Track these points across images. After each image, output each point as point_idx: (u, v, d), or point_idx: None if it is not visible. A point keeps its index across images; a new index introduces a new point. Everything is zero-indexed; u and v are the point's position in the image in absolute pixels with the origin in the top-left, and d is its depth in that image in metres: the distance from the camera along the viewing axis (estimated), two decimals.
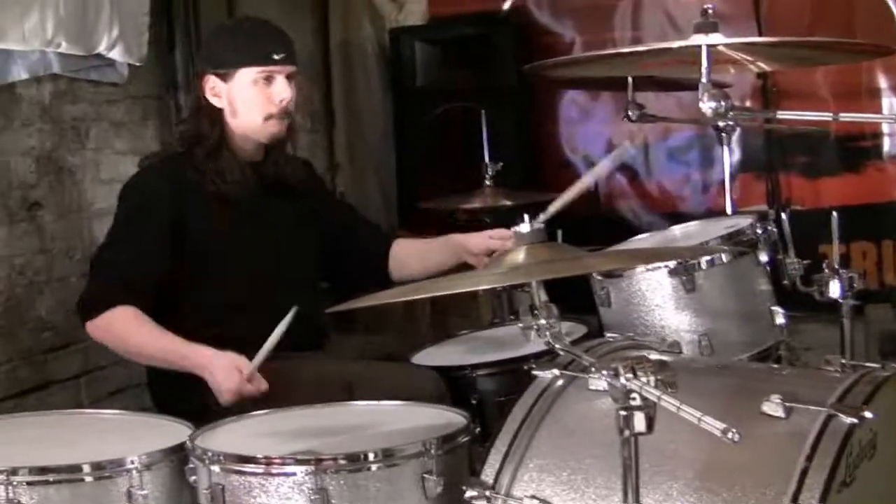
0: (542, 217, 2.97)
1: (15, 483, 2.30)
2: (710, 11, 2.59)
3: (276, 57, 3.08)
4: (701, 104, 2.53)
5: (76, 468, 2.37)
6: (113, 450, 2.49)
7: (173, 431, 2.60)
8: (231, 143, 3.14)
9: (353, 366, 3.01)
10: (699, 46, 2.50)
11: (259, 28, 3.18)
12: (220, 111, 3.13)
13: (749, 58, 2.84)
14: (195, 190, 3.09)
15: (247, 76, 3.08)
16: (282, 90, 3.09)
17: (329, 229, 3.39)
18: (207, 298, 3.10)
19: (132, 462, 2.38)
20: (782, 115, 2.94)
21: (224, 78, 3.10)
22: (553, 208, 3.13)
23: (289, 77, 3.12)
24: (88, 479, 2.37)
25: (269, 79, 3.09)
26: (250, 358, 2.87)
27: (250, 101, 3.09)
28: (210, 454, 2.34)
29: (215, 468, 2.32)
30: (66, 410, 3.22)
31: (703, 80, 2.51)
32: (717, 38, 2.56)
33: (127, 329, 2.98)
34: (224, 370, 2.84)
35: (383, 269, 3.42)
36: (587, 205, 5.31)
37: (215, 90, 3.12)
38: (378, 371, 2.95)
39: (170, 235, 3.07)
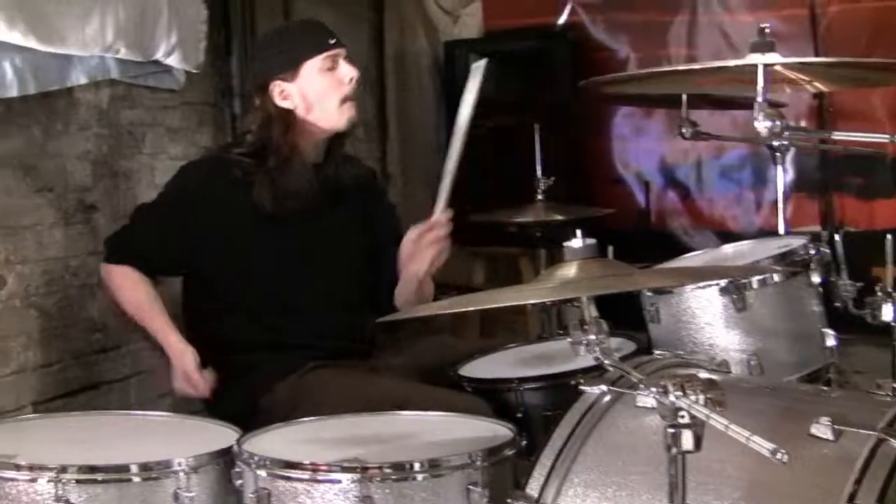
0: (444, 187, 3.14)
1: (64, 481, 2.33)
2: (766, 31, 2.58)
3: (331, 41, 3.17)
4: (756, 123, 2.52)
5: (124, 468, 2.40)
6: (161, 451, 2.51)
7: (221, 435, 2.62)
8: (299, 147, 3.17)
9: (408, 389, 2.99)
10: (755, 66, 2.50)
11: (305, 24, 3.37)
12: (291, 113, 3.16)
13: (805, 78, 2.83)
14: (241, 192, 3.12)
15: (313, 66, 3.14)
16: (348, 70, 3.17)
17: (379, 240, 3.40)
18: (257, 302, 3.11)
19: (180, 464, 2.41)
20: (838, 135, 2.92)
21: (290, 78, 3.15)
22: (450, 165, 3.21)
23: (347, 59, 3.20)
24: (136, 479, 2.40)
25: (333, 64, 3.16)
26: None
27: (323, 88, 3.15)
28: (257, 459, 2.35)
29: (262, 473, 2.34)
30: (115, 411, 3.25)
31: (759, 99, 2.50)
32: (773, 58, 2.56)
33: (124, 285, 3.22)
34: (178, 356, 3.09)
35: (391, 295, 3.37)
36: (637, 221, 5.31)
37: (284, 93, 3.16)
38: (431, 397, 2.92)
39: (189, 235, 3.16)
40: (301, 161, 3.16)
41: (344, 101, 3.16)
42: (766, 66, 2.52)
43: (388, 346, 3.43)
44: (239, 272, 3.12)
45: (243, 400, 3.04)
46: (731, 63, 2.64)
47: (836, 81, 3.03)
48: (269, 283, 3.12)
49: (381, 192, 3.62)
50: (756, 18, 5.06)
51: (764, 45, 2.58)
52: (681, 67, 3.04)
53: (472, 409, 2.80)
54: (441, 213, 3.17)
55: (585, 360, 2.31)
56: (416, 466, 2.28)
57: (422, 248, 3.16)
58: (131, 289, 3.20)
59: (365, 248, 3.35)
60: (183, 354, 3.06)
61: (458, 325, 5.43)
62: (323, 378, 3.03)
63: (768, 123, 2.50)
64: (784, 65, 2.64)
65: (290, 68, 3.15)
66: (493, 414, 2.81)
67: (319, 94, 3.15)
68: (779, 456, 1.63)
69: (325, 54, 3.15)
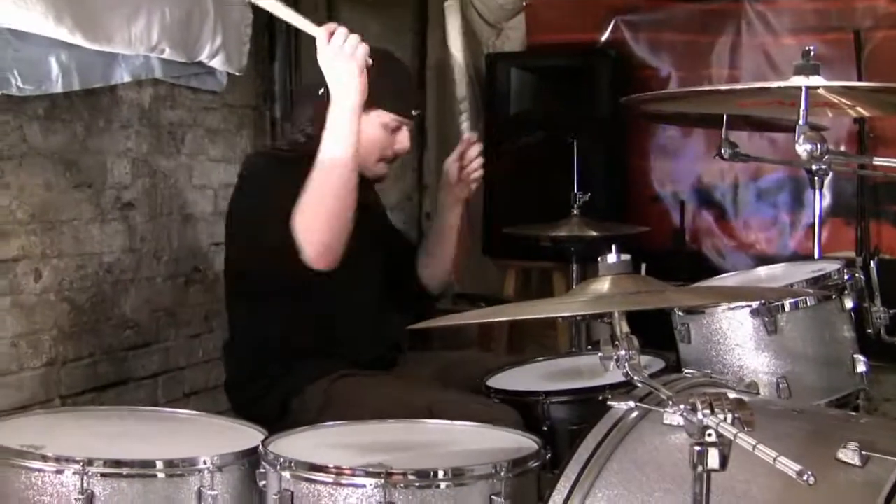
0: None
1: (90, 473, 2.35)
2: (811, 53, 2.57)
3: (414, 113, 3.21)
4: (797, 146, 2.51)
5: (150, 464, 2.42)
6: (187, 449, 2.53)
7: (247, 435, 2.64)
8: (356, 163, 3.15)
9: (437, 395, 2.99)
10: (798, 88, 2.48)
11: (405, 76, 3.32)
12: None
13: (848, 102, 2.81)
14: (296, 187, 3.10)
15: (382, 118, 3.13)
16: (404, 140, 3.19)
17: (389, 249, 3.42)
18: (300, 303, 3.10)
19: (205, 462, 2.42)
20: (878, 161, 2.90)
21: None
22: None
23: (410, 130, 3.23)
24: (161, 475, 2.41)
25: (398, 127, 3.17)
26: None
27: (374, 140, 3.12)
28: (282, 460, 2.36)
29: (286, 474, 2.35)
30: (144, 408, 3.27)
31: (801, 122, 2.49)
32: (817, 81, 2.54)
33: (312, 209, 2.89)
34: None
35: (415, 287, 3.43)
36: (672, 240, 5.29)
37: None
38: (460, 403, 2.92)
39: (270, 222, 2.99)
40: None
41: (381, 160, 3.18)
42: (809, 88, 2.50)
43: (416, 359, 3.44)
44: (288, 271, 3.08)
45: (274, 402, 3.05)
46: (775, 84, 2.63)
47: (879, 107, 3.01)
48: (315, 283, 3.10)
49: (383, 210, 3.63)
50: (799, 42, 5.04)
51: (808, 68, 2.57)
52: (722, 87, 3.03)
53: (500, 417, 2.81)
54: (469, 133, 3.33)
55: (613, 375, 2.32)
56: (440, 474, 2.29)
57: (462, 171, 3.30)
58: (310, 195, 2.88)
59: (386, 255, 3.38)
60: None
61: (486, 339, 5.44)
62: (352, 384, 3.04)
63: (809, 146, 2.49)
64: (827, 88, 2.62)
65: (367, 102, 2.99)
66: (522, 424, 2.81)
67: (369, 143, 3.08)
68: (805, 477, 1.61)
69: (400, 118, 3.16)
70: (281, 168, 3.09)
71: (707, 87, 3.61)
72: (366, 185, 3.22)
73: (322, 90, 3.00)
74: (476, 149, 3.35)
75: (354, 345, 3.17)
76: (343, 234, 2.90)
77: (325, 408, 2.98)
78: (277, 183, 3.04)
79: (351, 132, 2.88)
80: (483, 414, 2.80)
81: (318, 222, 2.88)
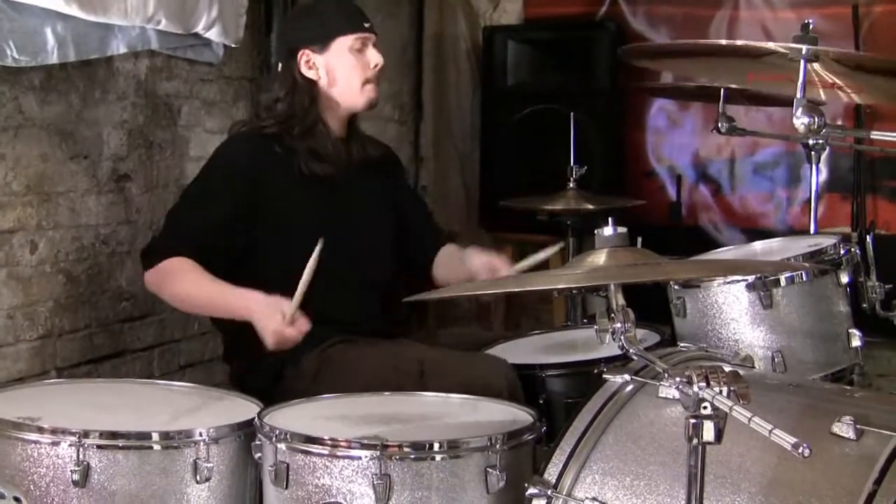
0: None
1: (86, 445, 2.35)
2: (810, 26, 2.56)
3: (366, 25, 3.24)
4: (795, 119, 2.50)
5: (146, 436, 2.43)
6: (182, 421, 2.54)
7: (242, 407, 2.65)
8: (323, 118, 3.23)
9: (427, 351, 3.03)
10: (797, 57, 2.48)
11: (344, 2, 3.39)
12: (314, 84, 3.22)
13: (842, 83, 2.81)
14: (282, 166, 3.15)
15: (343, 44, 3.20)
16: (375, 56, 3.23)
17: (400, 218, 3.43)
18: (292, 275, 3.11)
19: (200, 434, 2.43)
20: (876, 135, 2.89)
21: (320, 50, 3.21)
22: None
23: (375, 45, 3.25)
24: (157, 447, 2.42)
25: (362, 46, 3.22)
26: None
27: (349, 67, 3.21)
28: (277, 432, 2.37)
29: (281, 446, 2.36)
30: (140, 380, 3.27)
31: (799, 95, 2.49)
32: (817, 49, 2.53)
33: (177, 278, 3.07)
34: (267, 313, 2.88)
35: (426, 271, 3.46)
36: (668, 214, 5.29)
37: (310, 63, 3.22)
38: (451, 358, 2.97)
39: (244, 210, 3.13)
40: (325, 131, 3.22)
41: (366, 82, 3.23)
42: (807, 59, 2.50)
43: (412, 332, 3.45)
44: (279, 245, 3.11)
45: (269, 373, 3.06)
46: (773, 45, 2.61)
47: (878, 92, 3.00)
48: (301, 256, 3.11)
49: (400, 169, 3.67)
50: (798, 15, 5.03)
51: (807, 41, 2.56)
52: (723, 42, 3.01)
53: (492, 367, 2.83)
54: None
55: (609, 349, 2.32)
56: (436, 446, 2.30)
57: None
58: (189, 276, 3.05)
59: (394, 225, 3.40)
60: (273, 302, 2.91)
61: (483, 313, 5.44)
62: (345, 351, 3.05)
63: (806, 120, 2.48)
64: (824, 66, 2.61)
65: (321, 41, 3.22)
66: (516, 376, 2.82)
67: (345, 71, 3.22)
68: (801, 450, 1.62)
69: (358, 35, 3.22)
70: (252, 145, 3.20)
71: (707, 41, 3.57)
72: (362, 139, 3.30)
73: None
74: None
75: (355, 314, 3.20)
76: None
77: (318, 373, 3.00)
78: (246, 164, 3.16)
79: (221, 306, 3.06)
80: (476, 368, 2.82)
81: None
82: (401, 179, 3.61)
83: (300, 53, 3.21)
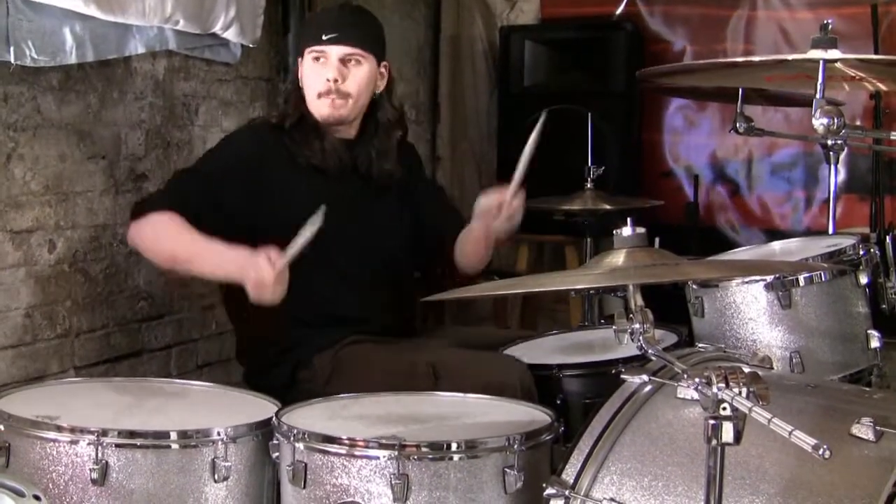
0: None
1: (104, 444, 2.36)
2: (829, 27, 2.55)
3: (324, 37, 3.15)
4: (814, 120, 2.50)
5: (164, 435, 2.43)
6: (201, 420, 2.55)
7: (260, 407, 2.65)
8: (315, 119, 3.21)
9: (441, 353, 3.02)
10: (816, 61, 2.47)
11: (329, 11, 3.35)
12: (301, 89, 3.23)
13: (866, 75, 2.80)
14: (285, 157, 3.17)
15: (308, 55, 3.19)
16: (327, 70, 3.15)
17: (419, 214, 3.41)
18: (308, 274, 3.10)
19: (218, 433, 2.43)
20: (895, 136, 2.88)
21: (301, 61, 3.23)
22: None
23: (346, 59, 3.16)
24: (175, 446, 2.43)
25: (319, 58, 3.17)
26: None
27: (307, 78, 3.21)
28: (295, 432, 2.37)
29: (299, 446, 2.36)
30: (157, 379, 3.28)
31: (818, 95, 2.48)
32: (835, 54, 2.52)
33: (164, 231, 3.04)
34: (253, 261, 2.84)
35: (451, 258, 3.40)
36: (685, 214, 5.28)
37: (299, 72, 3.24)
38: (466, 359, 2.96)
39: (241, 191, 3.12)
40: (315, 131, 3.19)
41: (319, 96, 3.17)
42: (826, 62, 2.49)
43: (428, 334, 3.45)
44: (279, 233, 3.07)
45: (285, 373, 3.06)
46: (791, 57, 2.61)
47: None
48: (319, 253, 3.10)
49: (417, 164, 3.60)
50: (816, 16, 5.02)
51: (826, 42, 2.56)
52: (739, 59, 3.01)
53: (510, 371, 2.82)
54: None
55: (626, 349, 2.32)
56: (454, 446, 2.30)
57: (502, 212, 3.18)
58: (176, 231, 3.01)
59: (411, 225, 3.37)
60: (262, 253, 2.84)
61: (500, 313, 5.44)
62: (358, 352, 3.05)
63: (825, 121, 2.48)
64: (845, 62, 2.60)
65: (298, 49, 3.27)
66: (531, 377, 2.82)
67: (305, 82, 3.21)
68: (821, 451, 1.61)
69: (312, 47, 3.17)
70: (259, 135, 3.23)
71: (724, 60, 3.58)
72: (374, 145, 3.26)
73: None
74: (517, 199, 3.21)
75: (369, 314, 3.18)
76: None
77: (332, 375, 2.99)
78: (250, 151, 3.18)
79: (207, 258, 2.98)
80: (491, 369, 2.82)
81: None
82: (417, 175, 3.54)
83: (299, 59, 3.26)
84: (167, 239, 3.05)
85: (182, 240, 3.01)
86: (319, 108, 3.17)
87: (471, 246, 3.28)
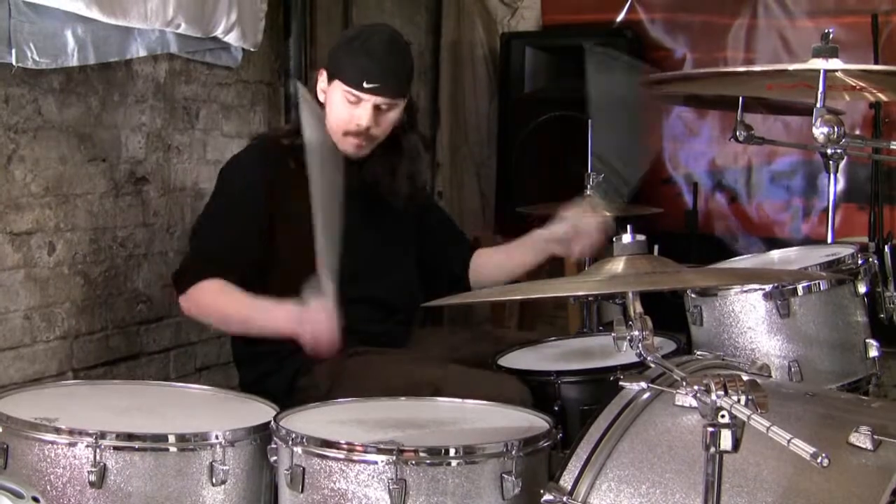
0: None
1: (102, 446, 2.36)
2: (830, 35, 2.56)
3: (366, 85, 3.09)
4: (814, 129, 2.50)
5: (162, 438, 2.43)
6: (199, 423, 2.55)
7: (259, 411, 2.65)
8: (331, 137, 3.17)
9: (441, 370, 3.01)
10: (817, 71, 2.47)
11: (374, 48, 3.13)
12: (323, 106, 3.19)
13: (865, 85, 2.80)
14: (295, 179, 3.12)
15: (339, 88, 3.13)
16: (361, 116, 3.11)
17: (424, 235, 3.42)
18: (304, 280, 3.11)
19: (217, 437, 2.43)
20: (895, 146, 2.89)
21: (329, 79, 3.18)
22: None
23: (380, 107, 3.12)
24: (173, 449, 2.43)
25: (356, 101, 3.11)
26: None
27: (336, 112, 3.15)
28: (294, 436, 2.37)
29: (297, 450, 2.36)
30: (156, 382, 3.28)
31: (819, 105, 2.48)
32: (836, 64, 2.53)
33: (215, 299, 3.09)
34: (310, 318, 2.87)
35: (462, 279, 3.43)
36: (684, 222, 5.28)
37: (322, 86, 3.20)
38: (465, 377, 2.94)
39: (266, 222, 3.14)
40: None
41: (346, 134, 3.14)
42: (827, 71, 2.49)
43: (427, 337, 3.45)
44: (296, 256, 3.09)
45: (282, 381, 3.06)
46: (793, 67, 2.61)
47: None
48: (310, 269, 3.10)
49: (423, 183, 3.61)
50: (816, 24, 5.03)
51: (827, 51, 2.56)
52: (740, 69, 3.01)
53: (509, 390, 2.82)
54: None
55: (625, 356, 2.32)
56: (452, 452, 2.30)
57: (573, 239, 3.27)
58: (226, 297, 3.07)
59: (415, 243, 3.39)
60: (316, 306, 2.88)
61: (498, 319, 5.44)
62: (360, 362, 3.05)
63: (826, 129, 2.48)
64: (846, 72, 2.61)
65: (330, 70, 3.18)
66: (531, 397, 2.82)
67: (333, 113, 3.16)
68: (819, 460, 1.61)
69: (352, 90, 3.11)
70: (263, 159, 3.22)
71: (724, 69, 3.58)
72: (385, 167, 3.24)
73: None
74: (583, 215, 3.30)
75: (370, 323, 3.19)
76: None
77: (333, 385, 2.98)
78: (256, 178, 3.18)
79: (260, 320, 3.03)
80: (490, 388, 2.81)
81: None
82: (425, 203, 3.55)
83: (320, 71, 3.22)
84: (217, 311, 3.13)
85: (231, 307, 3.09)
86: (343, 143, 3.15)
87: (498, 273, 3.36)
